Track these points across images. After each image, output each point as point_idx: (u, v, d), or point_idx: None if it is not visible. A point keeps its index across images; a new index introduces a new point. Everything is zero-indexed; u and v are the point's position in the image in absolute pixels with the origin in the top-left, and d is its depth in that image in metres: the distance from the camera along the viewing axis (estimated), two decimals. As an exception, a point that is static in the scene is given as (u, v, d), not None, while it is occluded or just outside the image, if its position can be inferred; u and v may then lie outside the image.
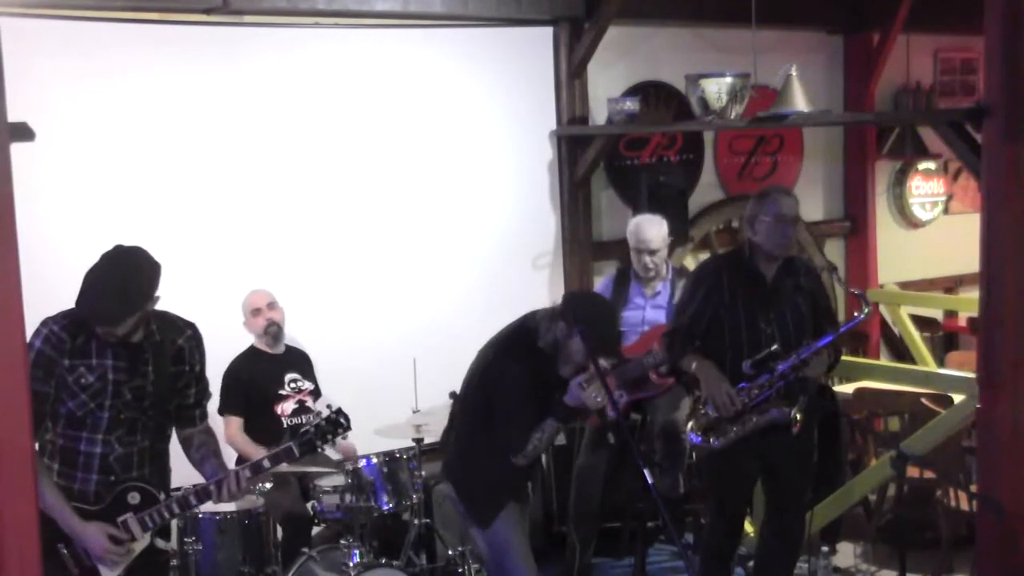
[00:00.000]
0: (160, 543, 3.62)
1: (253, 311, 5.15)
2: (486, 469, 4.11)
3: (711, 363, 4.49)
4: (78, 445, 3.50)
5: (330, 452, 5.26)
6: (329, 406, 3.84)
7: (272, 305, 5.19)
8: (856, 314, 4.58)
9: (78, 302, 3.47)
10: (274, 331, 5.17)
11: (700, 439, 4.49)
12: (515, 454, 4.01)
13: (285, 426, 5.11)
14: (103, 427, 3.49)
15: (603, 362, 3.87)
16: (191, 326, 3.71)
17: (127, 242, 3.56)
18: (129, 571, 3.52)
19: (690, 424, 4.53)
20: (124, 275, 3.45)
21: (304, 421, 5.14)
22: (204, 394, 3.77)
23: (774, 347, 4.44)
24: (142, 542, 3.53)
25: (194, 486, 3.62)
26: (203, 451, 3.75)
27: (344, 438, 3.80)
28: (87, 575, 3.50)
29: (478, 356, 4.20)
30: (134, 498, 3.52)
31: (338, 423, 3.71)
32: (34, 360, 3.34)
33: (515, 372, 3.99)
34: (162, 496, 3.58)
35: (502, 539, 4.15)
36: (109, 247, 3.57)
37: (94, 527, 3.44)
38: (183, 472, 4.87)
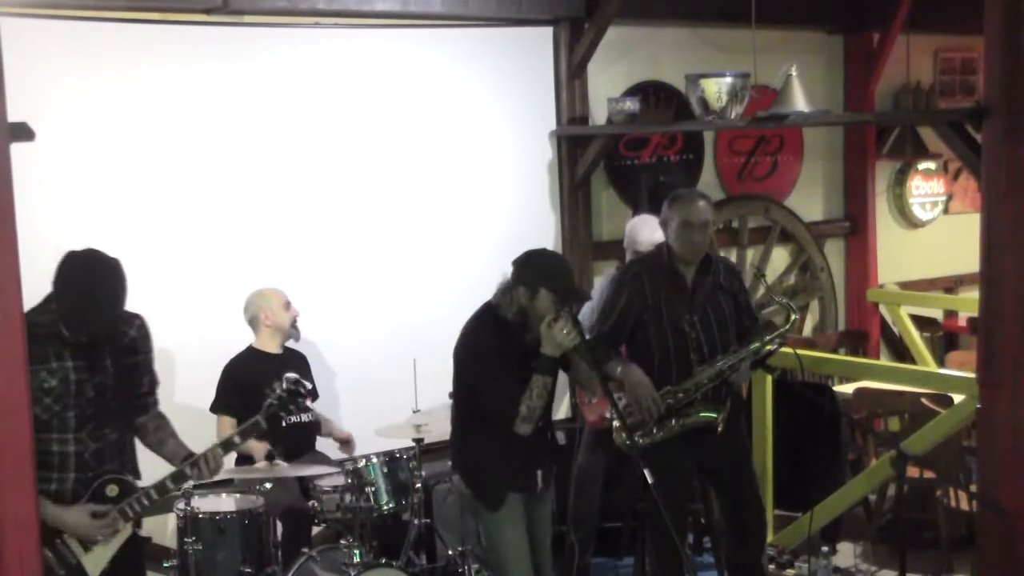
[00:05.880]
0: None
1: (285, 304, 5.17)
2: (484, 451, 4.18)
3: (635, 366, 4.55)
4: (50, 447, 3.52)
5: (329, 430, 5.26)
6: (287, 377, 3.95)
7: None
8: (784, 326, 4.71)
9: (68, 316, 3.49)
10: (297, 325, 5.21)
11: (625, 441, 4.47)
12: (512, 423, 4.04)
13: (283, 424, 5.11)
14: (72, 426, 3.55)
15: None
16: (138, 316, 3.79)
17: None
18: (113, 561, 3.61)
19: (615, 425, 4.53)
20: (110, 286, 3.58)
21: (302, 419, 5.13)
22: (155, 381, 3.86)
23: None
24: (125, 532, 3.64)
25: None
26: (160, 434, 3.84)
27: (303, 400, 4.02)
28: (72, 573, 3.55)
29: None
30: (112, 490, 3.61)
31: (297, 392, 3.89)
32: None
33: (481, 343, 4.13)
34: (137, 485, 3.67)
35: (499, 532, 4.20)
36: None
37: (73, 509, 3.53)
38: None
